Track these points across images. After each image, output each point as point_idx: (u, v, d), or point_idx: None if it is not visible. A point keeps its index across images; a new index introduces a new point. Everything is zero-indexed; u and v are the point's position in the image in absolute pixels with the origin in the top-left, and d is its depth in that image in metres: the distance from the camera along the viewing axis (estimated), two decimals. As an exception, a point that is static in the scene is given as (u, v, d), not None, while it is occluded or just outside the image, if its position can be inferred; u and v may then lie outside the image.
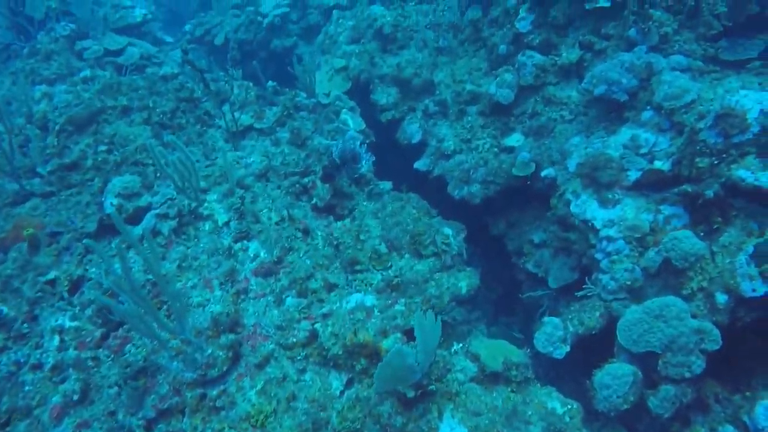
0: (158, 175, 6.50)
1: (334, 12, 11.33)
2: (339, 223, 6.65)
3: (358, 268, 5.91)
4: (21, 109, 8.63)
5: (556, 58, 7.78)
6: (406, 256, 6.07)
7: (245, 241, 6.21)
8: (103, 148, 7.41)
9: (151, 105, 8.17)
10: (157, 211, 6.28)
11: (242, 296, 5.66)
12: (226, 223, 6.32)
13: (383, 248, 6.03)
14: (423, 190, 8.80)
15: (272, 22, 12.32)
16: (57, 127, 7.73)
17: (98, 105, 7.90)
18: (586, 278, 5.89)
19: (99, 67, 10.15)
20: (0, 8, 10.95)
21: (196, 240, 6.20)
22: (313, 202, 7.00)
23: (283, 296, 5.59)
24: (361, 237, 6.14)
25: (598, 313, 5.62)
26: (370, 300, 5.49)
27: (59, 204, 6.97)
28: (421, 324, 4.45)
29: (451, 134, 8.35)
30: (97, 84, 8.60)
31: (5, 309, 6.08)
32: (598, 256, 5.78)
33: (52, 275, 6.17)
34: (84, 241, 6.25)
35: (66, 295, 5.96)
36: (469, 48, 9.25)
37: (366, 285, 5.77)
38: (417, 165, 8.50)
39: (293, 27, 12.45)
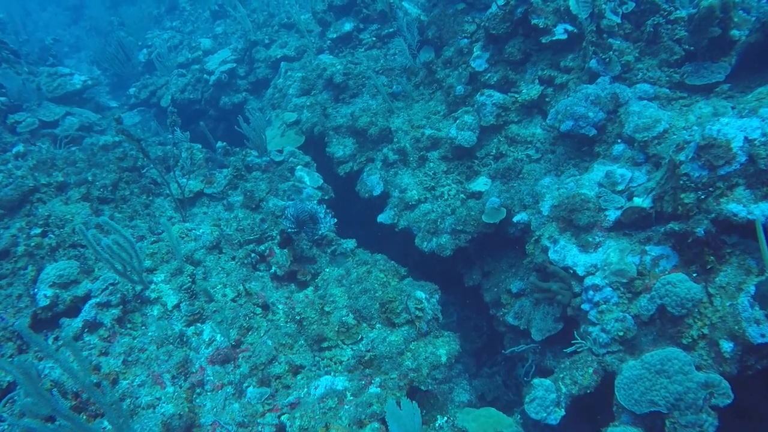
0: (97, 258, 5.81)
1: (282, 64, 10.87)
2: (301, 295, 6.04)
3: (325, 345, 5.30)
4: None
5: (516, 96, 7.41)
6: (378, 326, 5.47)
7: (199, 324, 5.54)
8: (36, 231, 6.69)
9: (90, 179, 7.50)
10: (98, 299, 5.58)
11: (198, 390, 4.97)
12: (176, 306, 5.66)
13: (351, 320, 5.42)
14: (389, 243, 8.29)
15: (219, 79, 11.80)
16: (-15, 213, 7.00)
17: (30, 184, 7.20)
18: (575, 332, 5.34)
19: (34, 141, 9.46)
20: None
21: (143, 328, 5.51)
22: (272, 271, 6.38)
23: (244, 386, 4.92)
24: (327, 309, 5.53)
25: (591, 370, 5.06)
26: (341, 383, 4.85)
27: (-11, 299, 6.21)
28: (396, 416, 3.84)
29: (414, 183, 7.85)
30: (30, 160, 7.90)
31: (-72, 428, 5.28)
32: (585, 306, 5.26)
33: (-22, 384, 5.39)
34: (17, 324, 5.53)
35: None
36: (425, 91, 8.84)
37: (336, 363, 5.15)
38: (381, 218, 7.95)
39: (242, 82, 11.95)
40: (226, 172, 8.17)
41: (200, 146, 8.75)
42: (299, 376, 5.03)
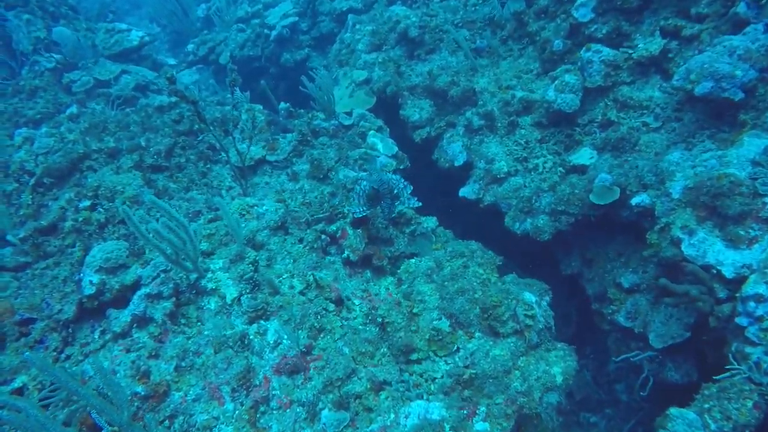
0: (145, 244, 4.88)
1: (349, 17, 9.65)
2: (381, 288, 5.02)
3: (414, 356, 4.27)
4: (-2, 158, 7.11)
5: (630, 51, 6.07)
6: (477, 335, 4.41)
7: (262, 322, 4.60)
8: (85, 203, 5.84)
9: (143, 144, 6.60)
10: (148, 289, 4.69)
11: (262, 407, 4.05)
12: (237, 299, 4.72)
13: (446, 326, 4.38)
14: (471, 221, 7.18)
15: (280, 34, 10.70)
16: (32, 181, 6.18)
17: (80, 150, 6.34)
18: (729, 355, 4.15)
19: (90, 101, 8.63)
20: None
21: (199, 324, 4.61)
22: (345, 255, 5.37)
23: (318, 407, 3.96)
24: (415, 310, 4.48)
25: (750, 403, 3.90)
26: (437, 410, 3.83)
27: (33, 280, 5.42)
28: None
29: (503, 152, 6.66)
30: (83, 123, 7.05)
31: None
32: (742, 321, 4.07)
33: (18, 383, 4.60)
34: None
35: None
36: (514, 46, 7.53)
37: (427, 381, 4.14)
38: (463, 192, 6.82)
39: (304, 38, 10.82)
40: (290, 137, 7.16)
41: (261, 107, 7.75)
42: (383, 395, 4.04)
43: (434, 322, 4.43)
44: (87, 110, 7.53)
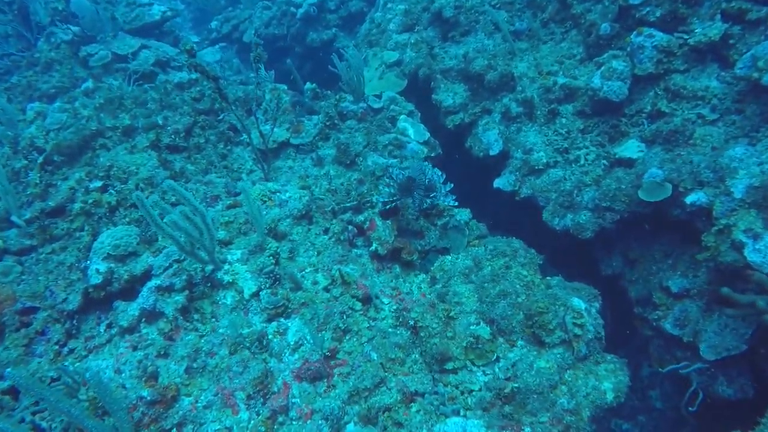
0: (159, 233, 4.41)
1: (380, -5, 9.12)
2: (413, 286, 4.56)
3: (450, 366, 3.79)
4: (7, 133, 6.69)
5: (686, 36, 5.49)
6: (519, 343, 3.92)
7: (282, 320, 4.16)
8: (96, 184, 5.42)
9: (160, 122, 6.15)
10: (159, 280, 4.25)
11: (280, 417, 3.60)
12: (255, 294, 4.28)
13: (485, 332, 3.89)
14: (502, 214, 6.68)
15: (307, 13, 10.19)
16: (41, 159, 5.76)
17: (93, 127, 5.91)
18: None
19: (107, 76, 8.19)
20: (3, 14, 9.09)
21: (213, 321, 4.17)
22: (372, 248, 4.91)
23: (342, 421, 3.50)
24: (452, 313, 4.00)
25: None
26: (475, 429, 3.34)
27: (38, 266, 5.02)
28: None
29: (542, 142, 6.14)
30: (98, 98, 6.61)
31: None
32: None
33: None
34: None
35: (29, 416, 3.96)
36: (556, 29, 6.96)
37: (464, 393, 3.67)
38: (498, 183, 6.31)
39: (332, 17, 10.32)
40: (316, 119, 6.68)
41: (286, 87, 7.28)
42: (414, 408, 3.58)
43: (472, 328, 3.94)
44: (103, 85, 7.09)
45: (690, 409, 4.58)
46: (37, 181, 5.61)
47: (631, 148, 5.55)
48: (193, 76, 7.28)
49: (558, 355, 3.82)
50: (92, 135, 5.89)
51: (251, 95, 7.00)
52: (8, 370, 2.89)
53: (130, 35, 9.13)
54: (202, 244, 4.03)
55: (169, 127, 6.15)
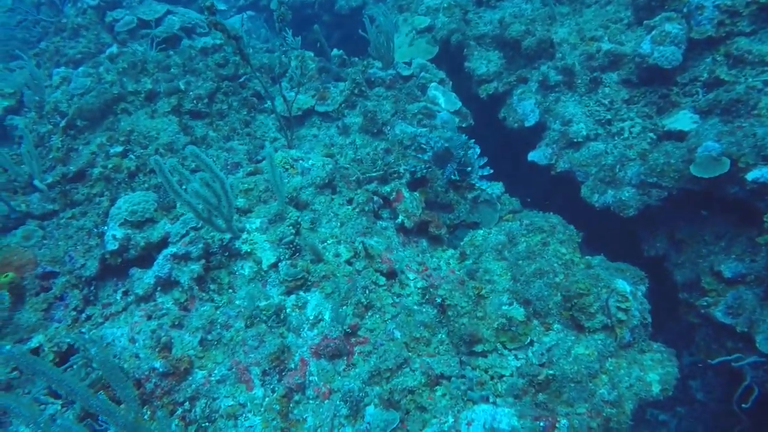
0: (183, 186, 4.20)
1: (412, -41, 8.73)
2: (440, 261, 4.31)
3: (479, 348, 3.54)
4: (34, 98, 6.58)
5: (756, -6, 5.06)
6: (556, 327, 3.65)
7: (302, 293, 3.95)
8: (117, 149, 5.26)
9: (182, 88, 5.95)
10: (175, 248, 4.07)
11: (296, 396, 3.41)
12: (274, 265, 4.07)
13: (519, 314, 3.62)
14: (536, 189, 6.36)
15: (337, -23, 9.84)
16: (63, 123, 5.62)
17: (115, 91, 5.73)
18: None
19: (132, 41, 8.01)
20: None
21: (230, 292, 3.98)
22: (399, 221, 4.66)
23: (362, 402, 3.29)
24: (482, 292, 3.74)
25: None
26: (506, 419, 3.09)
27: (58, 230, 4.89)
28: None
29: (582, 113, 5.79)
30: (121, 63, 6.42)
31: (-27, 392, 4.10)
32: None
33: (35, 342, 4.09)
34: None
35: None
36: (600, -8, 6.54)
37: (494, 379, 3.42)
38: (533, 156, 5.99)
39: (362, -18, 9.94)
40: (342, 86, 6.42)
41: (312, 54, 7.01)
42: (440, 391, 3.35)
43: (504, 308, 3.68)
44: (127, 50, 6.90)
45: (743, 405, 4.25)
46: (59, 146, 5.48)
47: (682, 120, 5.17)
48: (218, 41, 7.04)
49: (599, 342, 3.54)
50: (114, 99, 5.72)
51: (276, 61, 6.75)
52: (7, 347, 2.73)
53: (156, 1, 8.92)
54: (220, 211, 3.83)
55: (191, 93, 5.95)
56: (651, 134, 5.26)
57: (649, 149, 5.14)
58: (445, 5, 7.27)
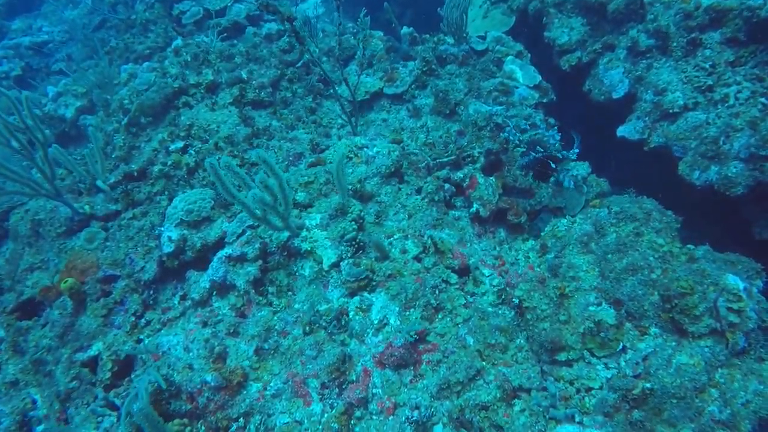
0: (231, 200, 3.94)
1: (486, -75, 8.13)
2: (518, 254, 3.86)
3: (563, 356, 3.08)
4: (104, 96, 6.59)
5: None
6: (653, 331, 3.12)
7: (366, 294, 3.60)
8: (178, 145, 5.10)
9: (244, 77, 5.73)
10: (231, 249, 3.82)
11: (358, 411, 3.07)
12: (335, 265, 3.75)
13: (609, 316, 3.12)
14: (630, 168, 5.72)
15: (408, -48, 9.37)
16: (125, 120, 5.53)
17: (175, 85, 5.59)
18: None
19: (200, 32, 7.91)
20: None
21: (289, 295, 3.70)
22: (473, 209, 4.23)
23: (430, 421, 2.91)
24: (566, 290, 3.26)
25: None
26: (597, 443, 2.63)
27: (120, 231, 4.78)
28: None
29: (678, 80, 5.10)
30: (185, 55, 6.30)
31: (38, 400, 4.05)
32: None
33: (94, 351, 3.99)
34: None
35: (101, 392, 3.72)
36: (698, -59, 5.75)
37: (581, 393, 2.96)
38: (622, 131, 5.35)
39: (434, -45, 9.43)
40: (412, 65, 6.02)
41: (381, 34, 6.63)
42: (518, 407, 2.92)
43: (592, 309, 3.19)
44: (191, 42, 6.77)
45: None
46: (122, 144, 5.39)
47: (799, 81, 4.43)
48: (283, 26, 6.79)
49: (706, 349, 2.98)
50: (174, 93, 5.58)
51: (344, 43, 6.42)
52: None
53: (225, -11, 8.80)
54: (276, 210, 3.53)
55: (254, 81, 5.72)
56: (763, 99, 4.53)
57: (761, 117, 4.42)
58: (522, -29, 6.67)
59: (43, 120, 7.28)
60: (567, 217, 3.94)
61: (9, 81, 9.43)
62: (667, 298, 3.07)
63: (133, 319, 4.13)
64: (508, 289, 3.44)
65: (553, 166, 4.49)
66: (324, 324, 3.43)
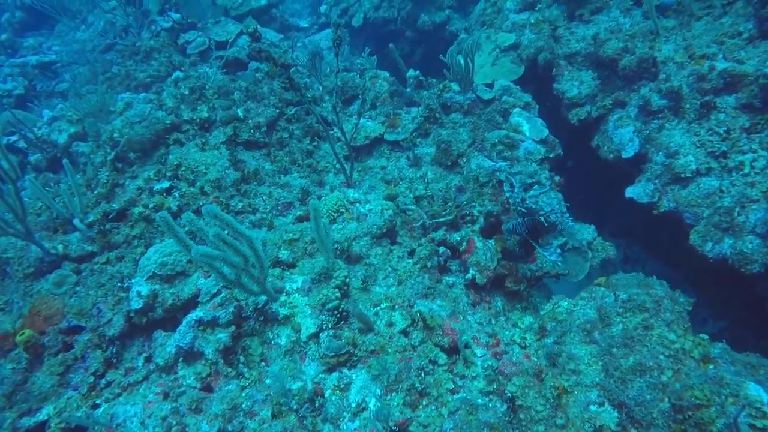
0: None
1: (499, -30, 7.89)
2: (515, 334, 3.47)
3: (559, 469, 2.68)
4: (97, 125, 6.29)
5: None
6: (665, 446, 2.72)
7: (345, 371, 3.22)
8: (163, 185, 4.77)
9: (241, 115, 5.43)
10: (201, 312, 3.46)
11: None
12: (314, 336, 3.38)
13: (611, 420, 2.73)
14: (639, 231, 5.38)
15: (420, -9, 9.16)
16: (112, 155, 5.22)
17: (167, 121, 5.28)
18: None
19: (204, 64, 7.66)
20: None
21: (262, 366, 3.33)
22: (469, 276, 3.87)
23: None
24: (565, 383, 2.87)
25: None
26: None
27: (92, 276, 4.43)
28: None
29: (691, 143, 4.76)
30: (183, 88, 6.01)
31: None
32: None
33: (43, 415, 3.60)
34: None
35: (46, 467, 3.34)
36: (716, 1, 5.45)
37: None
38: (631, 192, 5.00)
39: (446, -4, 9.23)
40: (415, 111, 5.71)
41: (388, 74, 6.33)
42: None
43: (593, 409, 2.79)
44: (192, 74, 6.49)
45: None
46: (105, 181, 5.06)
47: (821, 154, 4.08)
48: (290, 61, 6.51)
49: (722, 470, 2.58)
50: (166, 129, 5.26)
51: (349, 83, 6.13)
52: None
53: (233, 21, 8.59)
54: (250, 273, 3.18)
55: (249, 121, 5.41)
56: (782, 171, 4.19)
57: (780, 190, 4.08)
58: (533, 21, 6.37)
59: (36, 144, 7.02)
60: (569, 298, 3.53)
61: (11, 99, 9.22)
62: (680, 408, 2.66)
63: (93, 379, 3.74)
64: (500, 378, 3.06)
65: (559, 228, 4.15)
66: (295, 406, 3.04)
